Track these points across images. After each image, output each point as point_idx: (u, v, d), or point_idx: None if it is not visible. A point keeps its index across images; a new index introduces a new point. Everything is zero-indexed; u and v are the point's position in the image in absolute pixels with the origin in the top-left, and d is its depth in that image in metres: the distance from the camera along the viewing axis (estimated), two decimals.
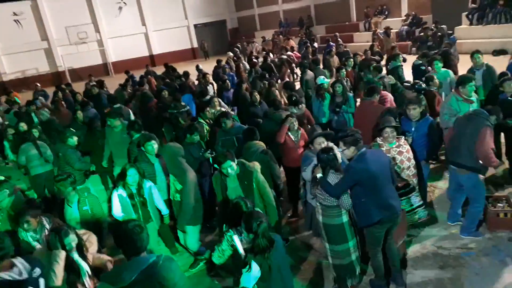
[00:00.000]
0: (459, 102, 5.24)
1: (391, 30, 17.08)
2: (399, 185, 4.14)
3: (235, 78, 11.50)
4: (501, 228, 4.59)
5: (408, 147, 4.43)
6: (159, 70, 16.30)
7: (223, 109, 7.13)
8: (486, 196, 4.79)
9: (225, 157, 4.14)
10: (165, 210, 4.78)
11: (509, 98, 5.32)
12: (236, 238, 3.07)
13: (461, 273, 4.11)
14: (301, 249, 4.96)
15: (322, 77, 8.59)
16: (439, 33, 14.42)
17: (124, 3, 26.98)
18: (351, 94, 7.22)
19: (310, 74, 9.15)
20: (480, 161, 4.30)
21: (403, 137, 4.57)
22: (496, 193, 5.27)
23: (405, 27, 17.96)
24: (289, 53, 14.04)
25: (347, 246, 3.85)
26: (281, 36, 23.29)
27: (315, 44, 17.18)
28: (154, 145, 4.99)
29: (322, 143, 4.31)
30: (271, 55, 15.46)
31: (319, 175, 3.74)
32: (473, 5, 15.54)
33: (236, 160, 4.23)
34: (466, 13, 15.70)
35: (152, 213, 4.57)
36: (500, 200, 4.81)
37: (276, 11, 27.30)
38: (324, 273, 4.43)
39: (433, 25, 15.87)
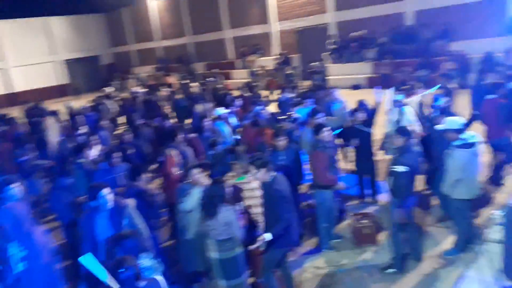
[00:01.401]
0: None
1: (267, 67, 18.37)
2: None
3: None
4: (367, 242, 5.08)
5: (254, 185, 4.52)
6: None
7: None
8: (352, 214, 5.28)
9: (98, 187, 3.79)
10: None
11: (355, 126, 6.07)
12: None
13: None
14: None
15: (221, 108, 8.64)
16: (309, 70, 15.95)
17: None
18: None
19: (199, 108, 9.10)
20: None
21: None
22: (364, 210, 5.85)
23: (278, 65, 19.46)
24: (167, 89, 13.98)
25: (243, 279, 3.85)
26: (160, 72, 23.16)
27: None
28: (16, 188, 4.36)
29: (199, 173, 4.28)
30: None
31: (268, 236, 3.68)
32: (333, 46, 17.72)
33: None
34: (328, 53, 17.79)
35: None
36: (364, 216, 5.34)
37: (155, 47, 27.22)
38: None
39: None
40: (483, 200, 5.42)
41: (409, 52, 14.93)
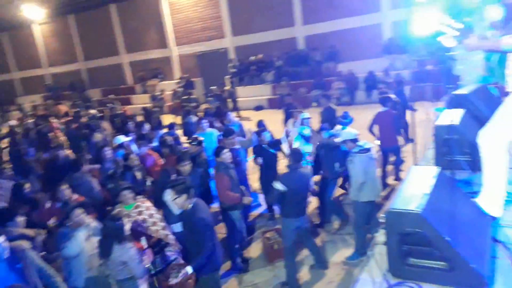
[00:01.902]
0: None
1: (167, 92, 18.07)
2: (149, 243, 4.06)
3: None
4: (278, 258, 5.11)
5: (147, 204, 4.42)
6: None
7: None
8: (262, 231, 5.32)
9: None
10: None
11: (263, 146, 6.20)
12: None
13: None
14: None
15: (121, 136, 8.05)
16: (209, 94, 16.07)
17: None
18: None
19: (97, 137, 8.45)
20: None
21: (141, 197, 4.58)
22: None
23: (181, 88, 19.27)
24: (57, 119, 12.90)
25: None
26: (49, 101, 21.29)
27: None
28: None
29: (81, 214, 3.86)
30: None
31: (189, 270, 3.37)
32: (233, 70, 18.15)
33: None
34: (229, 76, 18.15)
35: None
36: (273, 232, 5.41)
37: (43, 74, 25.03)
38: None
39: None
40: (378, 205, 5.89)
41: (303, 73, 15.97)
